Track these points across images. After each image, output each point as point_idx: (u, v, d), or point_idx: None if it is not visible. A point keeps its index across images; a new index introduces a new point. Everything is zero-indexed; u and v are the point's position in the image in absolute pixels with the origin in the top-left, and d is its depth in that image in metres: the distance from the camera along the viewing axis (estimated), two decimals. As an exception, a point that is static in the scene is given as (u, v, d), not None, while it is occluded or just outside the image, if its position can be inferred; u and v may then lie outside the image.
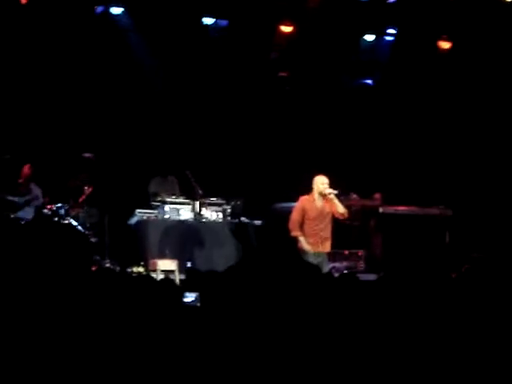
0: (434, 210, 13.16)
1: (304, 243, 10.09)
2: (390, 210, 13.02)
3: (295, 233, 10.15)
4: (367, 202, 13.32)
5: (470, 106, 14.37)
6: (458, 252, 12.76)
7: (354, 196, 13.27)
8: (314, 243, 10.14)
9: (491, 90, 14.14)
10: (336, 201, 10.19)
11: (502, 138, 14.22)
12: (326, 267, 10.08)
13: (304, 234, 10.14)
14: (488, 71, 14.00)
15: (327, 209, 10.20)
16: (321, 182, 10.17)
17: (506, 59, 13.78)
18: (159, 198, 11.96)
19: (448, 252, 12.92)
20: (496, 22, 13.10)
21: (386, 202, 13.17)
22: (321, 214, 10.18)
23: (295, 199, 10.78)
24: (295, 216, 10.21)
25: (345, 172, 12.93)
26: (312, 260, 9.57)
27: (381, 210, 12.98)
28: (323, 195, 10.16)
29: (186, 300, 5.08)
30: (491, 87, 14.11)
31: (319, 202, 10.20)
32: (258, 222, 12.33)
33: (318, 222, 10.16)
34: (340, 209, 10.21)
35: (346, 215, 10.43)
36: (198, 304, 4.83)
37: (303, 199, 10.35)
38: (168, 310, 3.94)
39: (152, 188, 12.26)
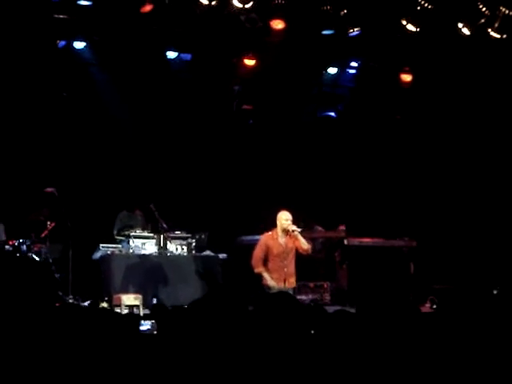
0: (399, 242, 13.22)
1: (268, 279, 10.04)
2: (355, 241, 13.05)
3: (258, 269, 10.10)
4: (332, 234, 13.34)
5: (431, 137, 14.51)
6: (422, 283, 12.80)
7: (319, 228, 13.29)
8: (279, 279, 10.08)
9: (451, 122, 14.29)
10: (300, 237, 10.15)
11: (464, 170, 14.35)
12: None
13: (268, 270, 10.09)
14: (449, 103, 14.16)
15: (290, 244, 10.15)
16: (284, 219, 10.12)
17: (467, 92, 13.96)
18: (126, 233, 11.87)
19: (413, 283, 12.96)
20: (456, 55, 13.28)
21: (351, 234, 13.19)
22: (284, 251, 10.13)
23: (259, 232, 10.75)
24: (258, 253, 10.15)
25: (309, 204, 12.94)
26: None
27: (346, 242, 13.00)
28: (287, 231, 10.12)
29: (142, 328, 5.04)
30: (451, 119, 14.27)
31: (282, 239, 10.15)
32: (222, 256, 12.27)
33: (282, 259, 10.11)
34: (304, 245, 10.17)
35: (310, 251, 10.41)
36: (155, 332, 4.80)
37: (266, 236, 10.30)
38: (126, 338, 3.90)
39: (118, 223, 12.17)
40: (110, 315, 4.20)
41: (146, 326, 5.36)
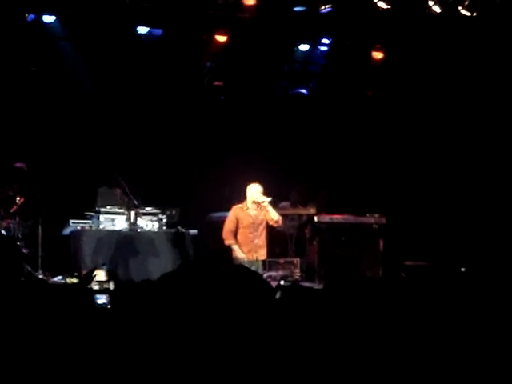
0: (369, 219, 13.30)
1: (238, 251, 10.10)
2: (326, 218, 13.11)
3: (229, 241, 10.16)
4: (302, 211, 13.39)
5: (403, 114, 14.58)
6: (392, 259, 12.91)
7: (287, 204, 13.33)
8: (249, 251, 10.16)
9: (422, 99, 14.37)
10: (270, 208, 10.23)
11: (435, 146, 14.45)
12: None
13: (238, 243, 10.14)
14: (419, 80, 14.23)
15: (261, 216, 10.22)
16: (255, 190, 10.20)
17: (437, 69, 14.02)
18: (97, 208, 11.83)
19: (382, 259, 13.06)
20: (426, 33, 13.33)
21: (321, 210, 13.26)
22: (254, 222, 10.20)
23: (230, 208, 10.78)
24: (228, 225, 10.22)
25: (278, 181, 12.97)
26: (246, 268, 9.55)
27: (316, 218, 13.06)
28: (257, 203, 10.18)
29: (98, 302, 5.07)
30: (422, 95, 14.34)
31: (252, 211, 10.21)
32: (193, 232, 12.28)
33: (252, 230, 10.18)
34: (274, 216, 10.25)
35: (280, 222, 10.48)
36: (109, 306, 4.81)
37: (236, 208, 10.36)
38: (81, 312, 3.92)
39: (99, 199, 12.10)
40: (66, 289, 4.21)
41: (101, 299, 5.38)
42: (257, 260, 10.22)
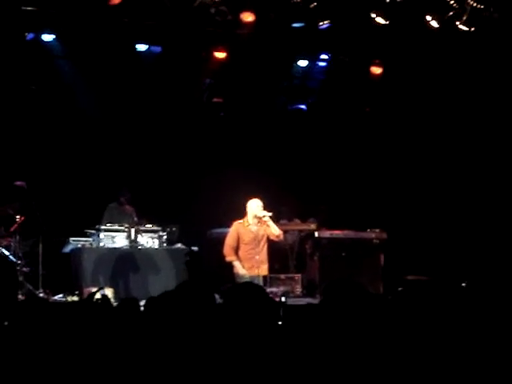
0: (370, 234, 13.26)
1: (239, 268, 10.07)
2: (326, 234, 13.08)
3: (230, 258, 10.13)
4: (303, 226, 13.37)
5: (402, 129, 14.60)
6: (393, 275, 12.87)
7: (289, 221, 13.32)
8: (250, 267, 10.13)
9: (421, 114, 14.38)
10: (271, 223, 10.21)
11: (435, 161, 14.45)
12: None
13: (239, 259, 10.12)
14: (418, 95, 14.25)
15: (262, 232, 10.20)
16: (256, 205, 10.18)
17: (435, 84, 14.05)
18: (97, 226, 11.83)
19: (383, 274, 13.02)
20: (425, 48, 13.36)
21: (322, 225, 13.24)
22: (255, 238, 10.18)
23: (230, 225, 10.76)
24: (229, 241, 10.20)
25: (279, 197, 12.96)
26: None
27: (316, 234, 13.03)
28: (258, 218, 10.16)
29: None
30: (421, 111, 14.36)
31: (253, 226, 10.20)
32: (194, 249, 12.24)
33: (254, 246, 10.16)
34: (275, 231, 10.23)
35: (282, 237, 10.46)
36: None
37: (237, 224, 10.34)
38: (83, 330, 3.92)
39: (107, 215, 12.11)
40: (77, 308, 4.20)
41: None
42: (258, 276, 10.19)
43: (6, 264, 10.25)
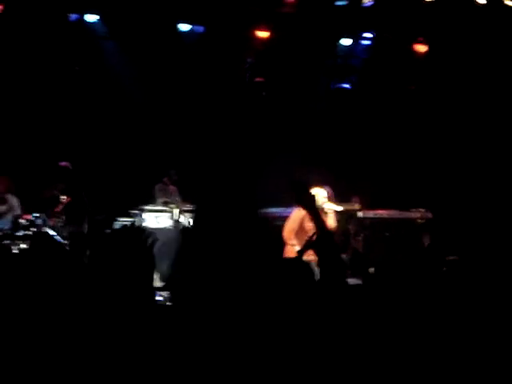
0: (414, 214, 13.15)
1: (294, 253, 10.00)
2: (370, 214, 13.00)
3: (291, 242, 9.99)
4: (346, 207, 13.29)
5: (448, 108, 14.42)
6: (437, 255, 12.75)
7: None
8: (306, 253, 10.05)
9: (468, 93, 14.19)
10: (332, 215, 10.14)
11: (481, 142, 14.27)
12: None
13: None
14: (464, 74, 14.06)
15: (315, 220, 10.12)
16: (323, 196, 10.10)
17: (482, 62, 13.84)
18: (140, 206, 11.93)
19: (428, 255, 12.91)
20: (472, 25, 13.17)
21: (366, 206, 13.15)
22: (314, 227, 10.09)
23: (276, 205, 10.73)
24: (292, 225, 10.04)
25: (324, 176, 12.89)
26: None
27: (360, 214, 12.95)
28: (321, 209, 10.05)
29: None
30: (468, 90, 14.17)
31: (314, 214, 10.11)
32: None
33: (310, 233, 10.08)
34: (332, 224, 10.13)
35: (335, 231, 10.36)
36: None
37: (299, 210, 10.20)
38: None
39: (158, 194, 12.25)
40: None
41: (158, 297, 5.41)
42: (312, 261, 10.12)
43: (54, 244, 10.37)
